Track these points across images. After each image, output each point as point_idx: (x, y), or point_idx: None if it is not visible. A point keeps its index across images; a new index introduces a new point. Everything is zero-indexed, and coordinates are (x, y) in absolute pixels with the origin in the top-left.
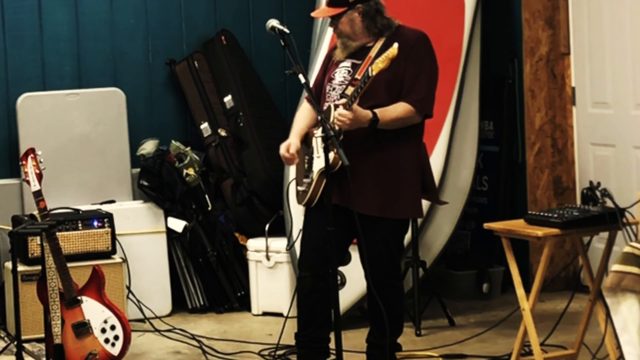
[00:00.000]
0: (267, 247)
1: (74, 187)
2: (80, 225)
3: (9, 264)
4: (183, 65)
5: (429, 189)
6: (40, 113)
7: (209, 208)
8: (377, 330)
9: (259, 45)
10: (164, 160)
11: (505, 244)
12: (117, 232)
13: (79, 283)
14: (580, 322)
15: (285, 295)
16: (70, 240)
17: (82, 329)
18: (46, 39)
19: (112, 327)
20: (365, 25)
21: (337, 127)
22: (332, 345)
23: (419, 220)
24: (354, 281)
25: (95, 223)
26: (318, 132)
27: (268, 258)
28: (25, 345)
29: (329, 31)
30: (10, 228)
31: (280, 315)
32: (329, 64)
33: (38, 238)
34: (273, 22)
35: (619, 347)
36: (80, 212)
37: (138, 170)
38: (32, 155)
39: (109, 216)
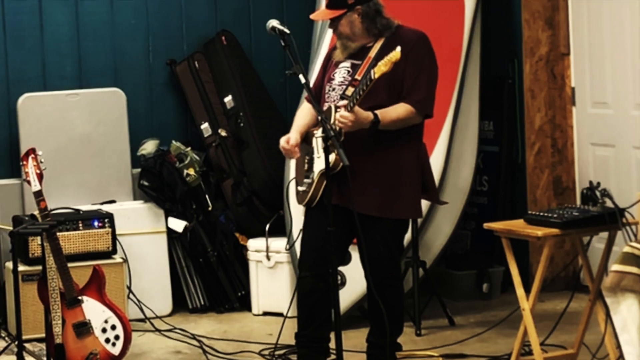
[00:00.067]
0: (267, 247)
1: (74, 187)
2: (80, 225)
3: (9, 264)
4: (183, 66)
5: (429, 189)
6: (41, 113)
7: (210, 208)
8: (377, 330)
9: (260, 46)
10: (164, 161)
11: (505, 244)
12: (117, 232)
13: (80, 283)
14: (580, 322)
15: (286, 295)
16: (71, 240)
17: (83, 328)
18: (47, 40)
19: (113, 327)
20: (365, 27)
21: (337, 128)
22: (332, 345)
23: (419, 220)
24: (354, 281)
25: (96, 223)
26: (318, 133)
27: (268, 258)
28: (26, 345)
29: (329, 31)
30: (11, 228)
31: (280, 315)
32: (328, 64)
33: (39, 238)
34: (273, 23)
35: (618, 346)
36: (81, 212)
37: (138, 170)
38: (32, 155)
39: (110, 216)
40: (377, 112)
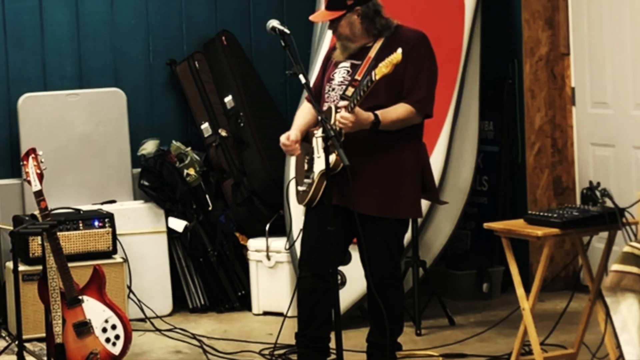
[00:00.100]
0: (267, 247)
1: (74, 187)
2: (81, 225)
3: (10, 264)
4: (184, 66)
5: (429, 189)
6: (41, 113)
7: (210, 208)
8: (377, 330)
9: (260, 46)
10: (164, 160)
11: (505, 243)
12: (117, 232)
13: (80, 283)
14: (580, 321)
15: (286, 295)
16: (71, 240)
17: (83, 328)
18: (47, 40)
19: (113, 327)
20: (365, 27)
21: (338, 128)
22: (332, 344)
23: (419, 220)
24: (354, 281)
25: (96, 223)
26: (318, 133)
27: (268, 258)
28: (27, 344)
29: (329, 31)
30: (12, 228)
31: (280, 314)
32: (328, 64)
33: (39, 238)
34: (273, 23)
35: (618, 346)
36: (81, 212)
37: (139, 170)
38: (33, 155)
39: (110, 216)
40: (378, 112)
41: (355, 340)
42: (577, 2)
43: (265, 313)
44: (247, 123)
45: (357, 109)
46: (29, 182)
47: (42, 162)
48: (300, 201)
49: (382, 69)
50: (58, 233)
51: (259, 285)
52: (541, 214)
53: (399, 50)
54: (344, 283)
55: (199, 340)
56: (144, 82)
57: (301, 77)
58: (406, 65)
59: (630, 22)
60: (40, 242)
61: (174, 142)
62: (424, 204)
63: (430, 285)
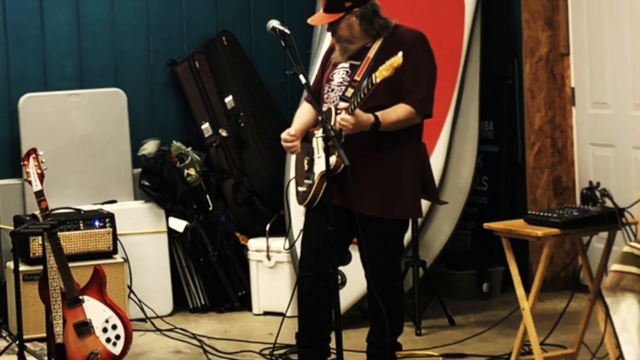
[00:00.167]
0: (267, 247)
1: (75, 187)
2: (81, 225)
3: (10, 264)
4: (184, 66)
5: (429, 189)
6: (42, 113)
7: (210, 208)
8: (377, 330)
9: (260, 46)
10: (165, 161)
11: (505, 243)
12: (118, 232)
13: (81, 283)
14: (580, 321)
15: (286, 295)
16: (72, 240)
17: (84, 328)
18: (47, 40)
19: (114, 327)
20: (364, 28)
21: (338, 129)
22: (332, 344)
23: (419, 220)
24: (354, 281)
25: (97, 223)
26: (319, 133)
27: (269, 258)
28: (27, 344)
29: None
30: (12, 228)
31: (281, 314)
32: (327, 65)
33: (40, 238)
34: (274, 23)
35: (618, 346)
36: (82, 212)
37: (139, 170)
38: (33, 155)
39: (111, 216)
40: (378, 114)
41: (356, 340)
42: (577, 2)
43: (266, 313)
44: (247, 123)
45: (358, 110)
46: (30, 182)
47: (42, 162)
48: (300, 202)
49: (383, 72)
50: (59, 233)
51: (259, 285)
52: (541, 214)
53: (400, 54)
54: (344, 283)
55: (200, 340)
56: (145, 82)
57: (301, 77)
58: (405, 65)
59: (630, 22)
60: (40, 242)
61: (174, 142)
62: (424, 204)
63: (430, 285)
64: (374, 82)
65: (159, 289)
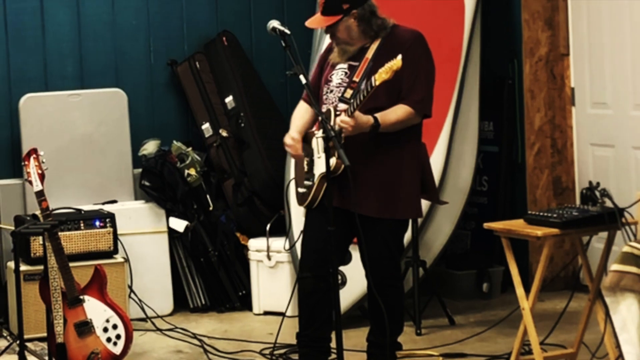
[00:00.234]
0: (268, 247)
1: (76, 187)
2: (82, 225)
3: (11, 264)
4: (184, 66)
5: (429, 189)
6: (43, 113)
7: (211, 208)
8: (377, 330)
9: (260, 46)
10: (165, 161)
11: (505, 243)
12: (119, 232)
13: (81, 282)
14: (580, 321)
15: (286, 295)
16: (73, 240)
17: (84, 328)
18: (48, 40)
19: (114, 326)
20: (362, 30)
21: (338, 129)
22: (333, 344)
23: (419, 220)
24: (354, 281)
25: (97, 223)
26: (319, 133)
27: (269, 258)
28: (28, 344)
29: None
30: (13, 228)
31: (281, 314)
32: (325, 65)
33: (40, 238)
34: (274, 23)
35: (618, 346)
36: (82, 212)
37: (140, 170)
38: (34, 155)
39: (111, 216)
40: (377, 115)
41: (356, 339)
42: (576, 2)
43: (266, 313)
44: (247, 123)
45: (357, 112)
46: (31, 182)
47: (43, 162)
48: (300, 203)
49: (382, 74)
50: (59, 233)
51: (259, 285)
52: (541, 214)
53: (399, 57)
54: (344, 283)
55: (200, 340)
56: (145, 82)
57: (301, 77)
58: (404, 66)
59: (630, 22)
60: (41, 242)
61: (174, 142)
62: (424, 204)
63: (430, 285)
64: (373, 84)
65: (160, 289)
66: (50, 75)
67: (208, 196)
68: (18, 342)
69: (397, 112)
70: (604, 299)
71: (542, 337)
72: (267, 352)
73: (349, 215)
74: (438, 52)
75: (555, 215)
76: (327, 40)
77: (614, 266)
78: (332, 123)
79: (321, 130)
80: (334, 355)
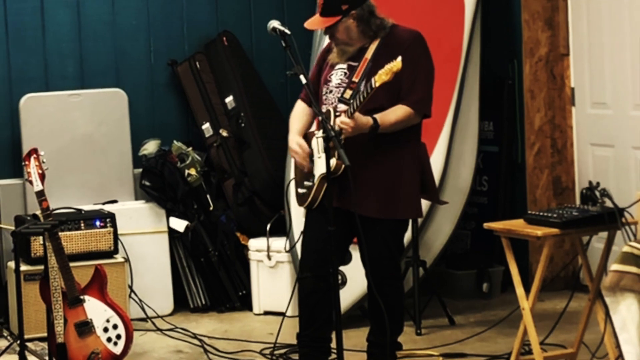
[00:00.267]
0: (268, 247)
1: (76, 187)
2: (82, 225)
3: (11, 264)
4: (185, 66)
5: (429, 189)
6: (43, 113)
7: (211, 208)
8: (377, 329)
9: (260, 46)
10: (165, 161)
11: (505, 243)
12: (119, 231)
13: (82, 282)
14: (580, 321)
15: (287, 295)
16: (73, 240)
17: (85, 328)
18: (49, 40)
19: (115, 326)
20: (361, 30)
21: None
22: (333, 344)
23: (419, 220)
24: (354, 281)
25: (98, 223)
26: (319, 133)
27: (269, 257)
28: (28, 344)
29: None
30: (13, 228)
31: (281, 314)
32: (324, 65)
33: (41, 238)
34: (274, 23)
35: (618, 346)
36: (83, 212)
37: (140, 170)
38: (34, 155)
39: (111, 216)
40: (376, 116)
41: (356, 339)
42: (576, 2)
43: (266, 313)
44: (248, 123)
45: (357, 114)
46: (31, 182)
47: (43, 162)
48: (300, 203)
49: (382, 76)
50: (60, 233)
51: (259, 285)
52: (541, 214)
53: (399, 59)
54: (344, 283)
55: (200, 340)
56: (146, 82)
57: (302, 77)
58: (404, 66)
59: (630, 22)
60: (42, 242)
61: (175, 142)
62: (424, 204)
63: (430, 285)
64: (373, 86)
65: (160, 289)
66: (50, 75)
67: (208, 196)
68: (18, 342)
69: (397, 113)
70: (604, 298)
71: (542, 337)
72: (267, 352)
73: (349, 215)
74: (438, 52)
75: (555, 215)
76: (327, 40)
77: (613, 266)
78: (331, 124)
79: (321, 131)
80: (334, 355)
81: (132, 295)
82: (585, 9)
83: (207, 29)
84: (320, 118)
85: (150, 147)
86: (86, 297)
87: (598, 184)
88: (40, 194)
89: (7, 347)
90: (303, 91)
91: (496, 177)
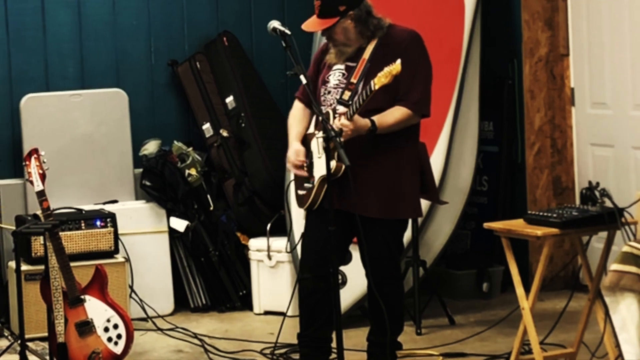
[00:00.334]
0: (268, 247)
1: (76, 187)
2: (83, 225)
3: (12, 264)
4: (185, 66)
5: (429, 189)
6: (44, 114)
7: (211, 208)
8: (377, 329)
9: (261, 46)
10: (166, 161)
11: (505, 243)
12: (119, 231)
13: (82, 282)
14: (580, 321)
15: (287, 294)
16: (73, 240)
17: (85, 327)
18: (49, 40)
19: (115, 326)
20: (359, 30)
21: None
22: (333, 344)
23: (419, 220)
24: (354, 281)
25: (98, 223)
26: (319, 133)
27: (269, 257)
28: (29, 344)
29: None
30: (14, 228)
31: (282, 314)
32: (321, 66)
33: (41, 238)
34: (274, 24)
35: (617, 345)
36: (83, 212)
37: (140, 170)
38: (35, 155)
39: (112, 216)
40: (374, 118)
41: (356, 339)
42: (576, 3)
43: (267, 312)
44: (248, 123)
45: (356, 116)
46: (32, 182)
47: (44, 162)
48: (300, 205)
49: (382, 79)
50: (60, 233)
51: (260, 285)
52: (541, 214)
53: (398, 61)
54: (344, 283)
55: (201, 340)
56: (146, 82)
57: (302, 77)
58: (402, 67)
59: (630, 22)
60: (42, 242)
61: (175, 142)
62: (424, 204)
63: (430, 285)
64: (372, 89)
65: (160, 289)
66: (51, 75)
67: (209, 196)
68: (19, 341)
69: (395, 115)
70: (604, 298)
71: (542, 337)
72: (267, 351)
73: (349, 215)
74: (438, 52)
75: (555, 215)
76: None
77: (613, 266)
78: (331, 124)
79: (322, 131)
80: (334, 355)
81: (133, 295)
82: (585, 9)
83: (208, 29)
84: (320, 118)
85: (151, 147)
86: (87, 297)
87: (598, 184)
88: (41, 194)
89: (8, 347)
90: (300, 89)
91: (496, 177)
